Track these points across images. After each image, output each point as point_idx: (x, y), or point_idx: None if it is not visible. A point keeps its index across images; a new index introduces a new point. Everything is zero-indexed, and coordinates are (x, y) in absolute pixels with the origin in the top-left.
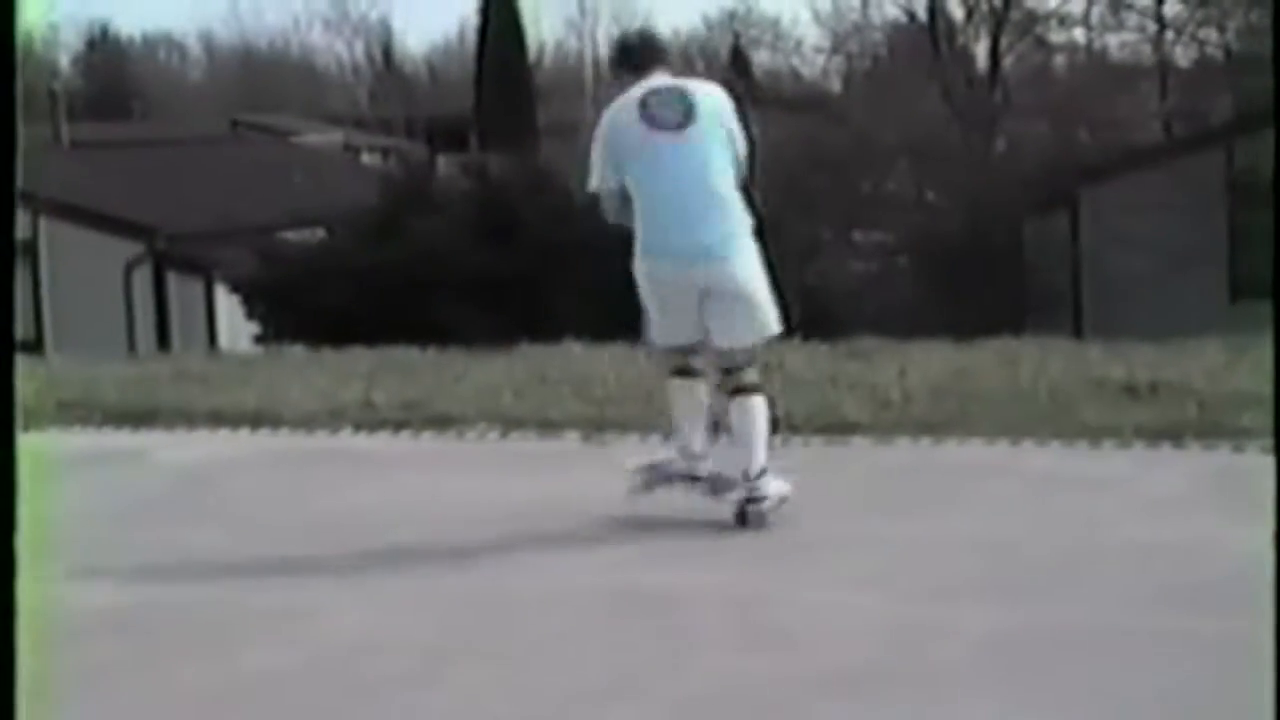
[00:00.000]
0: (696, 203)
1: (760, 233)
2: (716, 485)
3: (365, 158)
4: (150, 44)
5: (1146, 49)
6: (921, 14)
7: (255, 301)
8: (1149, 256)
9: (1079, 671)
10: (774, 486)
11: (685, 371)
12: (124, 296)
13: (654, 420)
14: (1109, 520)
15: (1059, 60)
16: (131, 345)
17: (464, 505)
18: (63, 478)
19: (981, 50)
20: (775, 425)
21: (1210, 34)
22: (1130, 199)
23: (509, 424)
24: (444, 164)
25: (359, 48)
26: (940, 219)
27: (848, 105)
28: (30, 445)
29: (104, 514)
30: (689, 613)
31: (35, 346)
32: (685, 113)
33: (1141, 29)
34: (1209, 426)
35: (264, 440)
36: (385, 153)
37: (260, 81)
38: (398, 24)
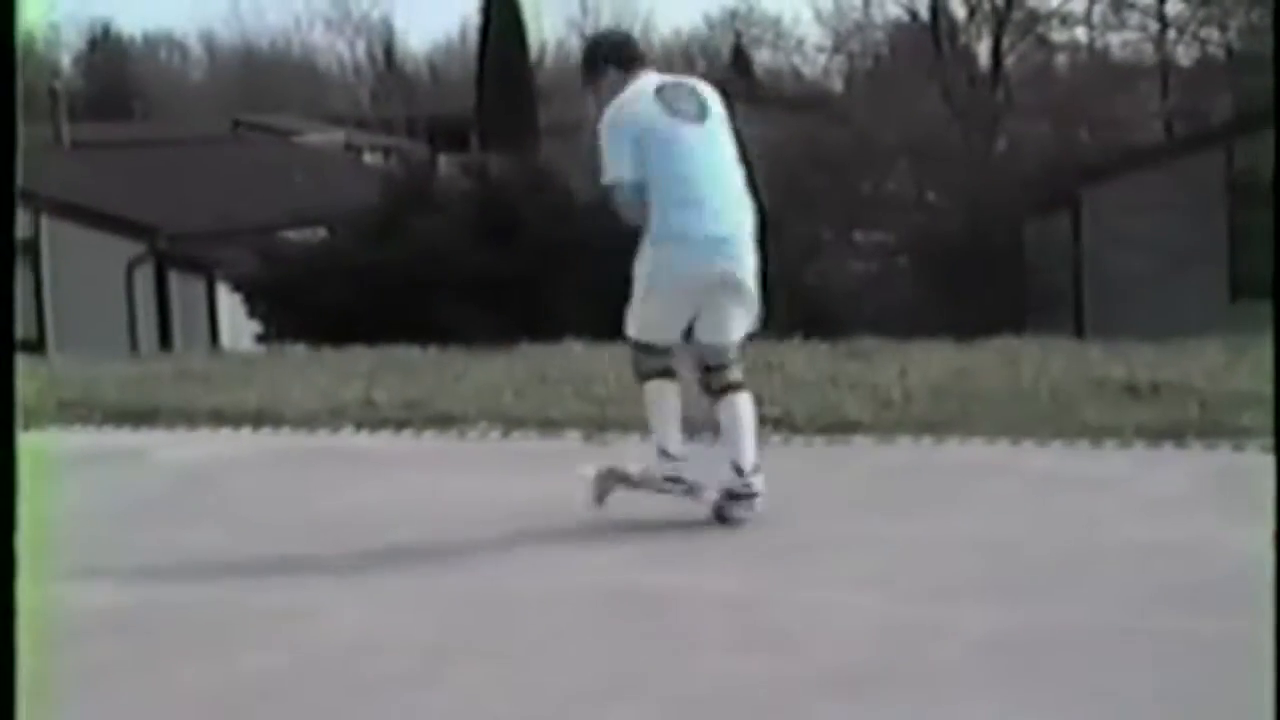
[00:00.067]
0: (718, 194)
1: (761, 233)
2: (694, 487)
3: (367, 157)
4: (151, 44)
5: (1148, 48)
6: (923, 13)
7: (257, 301)
8: (1150, 256)
9: (1079, 672)
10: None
11: (666, 372)
12: (125, 296)
13: None
14: (1110, 520)
15: (1060, 59)
16: (133, 344)
17: (465, 505)
18: (63, 477)
19: (983, 49)
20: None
21: (1212, 33)
22: (1131, 199)
23: (510, 423)
24: (445, 164)
25: (360, 47)
26: (941, 219)
27: (849, 104)
28: (31, 444)
29: (105, 513)
30: (688, 613)
31: (37, 346)
32: (700, 107)
33: (1143, 28)
34: (1210, 426)
35: (265, 439)
36: (386, 152)
37: (261, 81)
38: (399, 23)
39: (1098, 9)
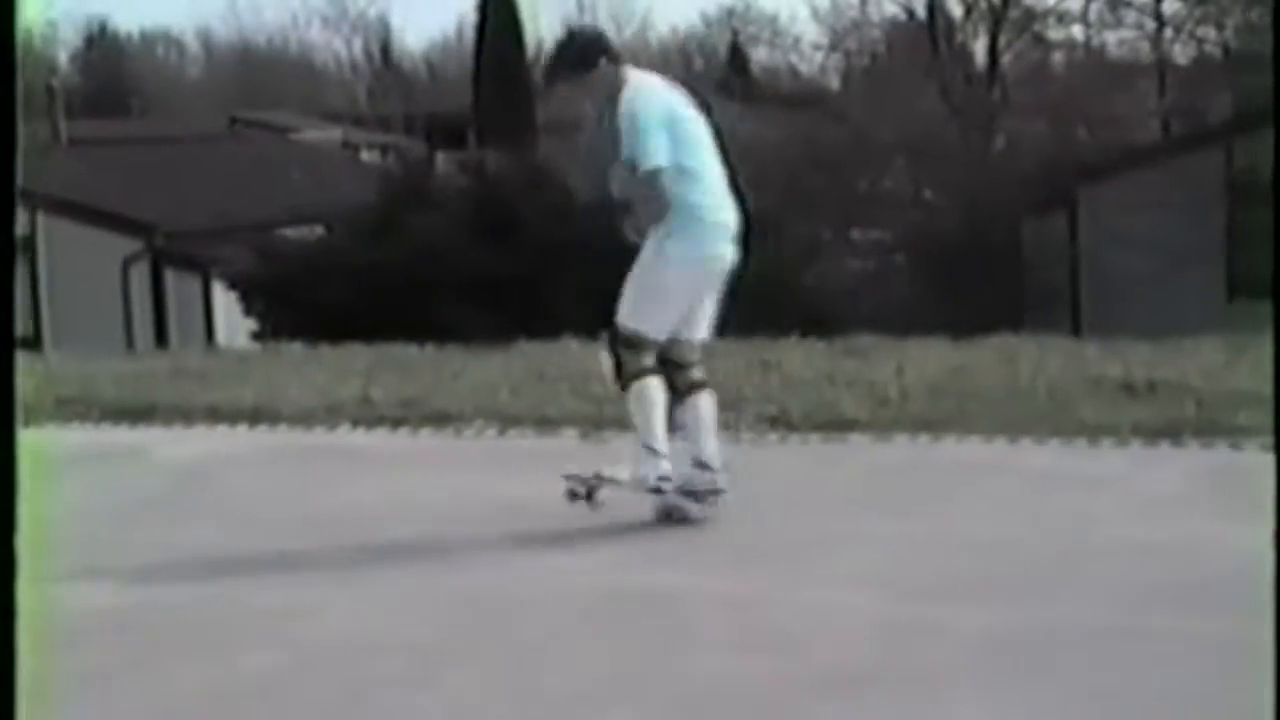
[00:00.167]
0: (721, 185)
1: (745, 233)
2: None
3: (364, 155)
4: (148, 41)
5: (1145, 46)
6: (920, 11)
7: (253, 298)
8: (1147, 255)
9: (1077, 671)
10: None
11: (654, 371)
12: (122, 293)
13: None
14: (1107, 519)
15: (1057, 58)
16: (129, 342)
17: (462, 503)
18: (61, 475)
19: (980, 48)
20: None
21: (1209, 32)
22: (1128, 198)
23: (507, 421)
24: (442, 161)
25: (357, 45)
26: (938, 217)
27: (846, 102)
28: (28, 442)
29: (102, 512)
30: (685, 612)
31: (33, 343)
32: (695, 103)
33: (1140, 26)
34: (1206, 425)
35: (262, 437)
36: (384, 150)
37: (258, 78)
38: (396, 21)
39: (1094, 7)
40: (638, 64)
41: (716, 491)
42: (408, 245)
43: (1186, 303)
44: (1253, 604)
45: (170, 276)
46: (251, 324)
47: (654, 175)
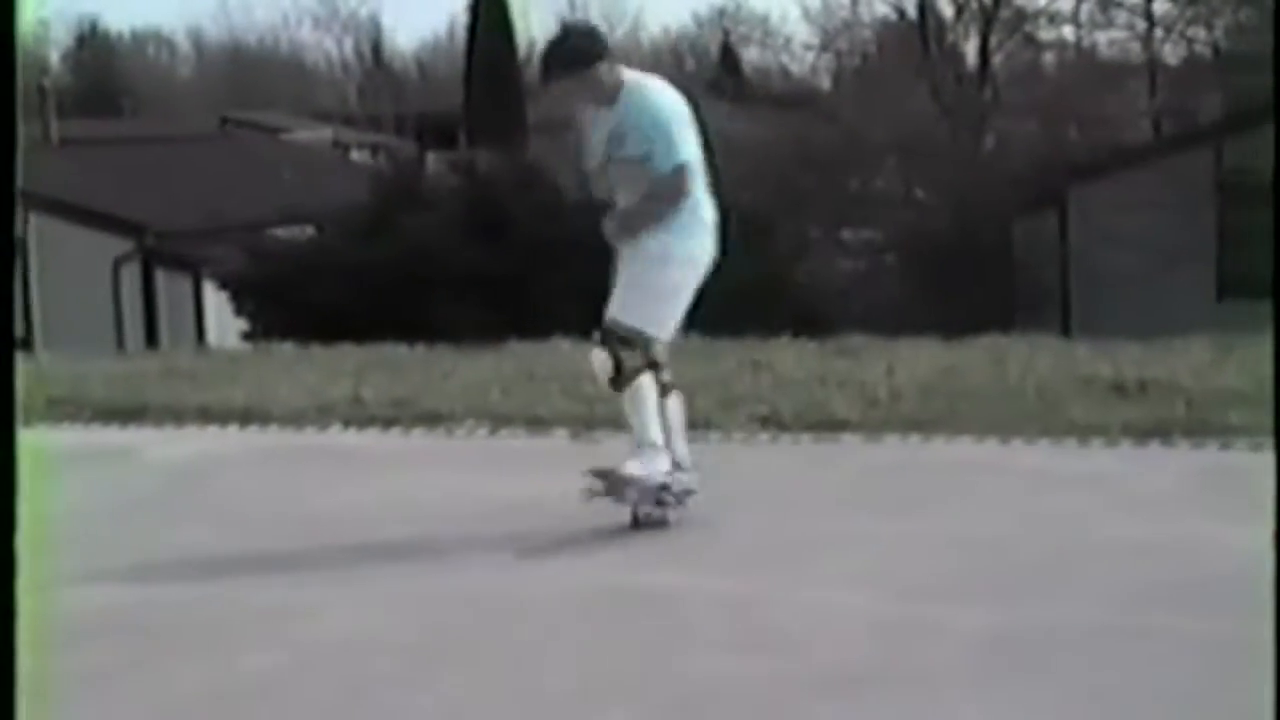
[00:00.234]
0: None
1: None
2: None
3: (354, 155)
4: (139, 40)
5: (1135, 47)
6: (911, 11)
7: (244, 298)
8: (1137, 255)
9: (1074, 670)
10: None
11: (649, 368)
12: (112, 293)
13: None
14: (1098, 518)
15: (1048, 58)
16: (120, 342)
17: (454, 503)
18: (53, 475)
19: (971, 48)
20: None
21: (1199, 32)
22: (1119, 198)
23: (498, 421)
24: (433, 161)
25: (348, 44)
26: (929, 217)
27: (837, 102)
28: (21, 443)
29: (95, 512)
30: (681, 612)
31: (24, 343)
32: None
33: (1130, 27)
34: (1196, 424)
35: (253, 437)
36: (374, 150)
37: (249, 78)
38: (387, 21)
39: (1085, 8)
40: (629, 64)
41: (690, 492)
42: (399, 245)
43: (1176, 302)
44: (1248, 603)
45: (161, 277)
46: (242, 324)
47: (682, 171)
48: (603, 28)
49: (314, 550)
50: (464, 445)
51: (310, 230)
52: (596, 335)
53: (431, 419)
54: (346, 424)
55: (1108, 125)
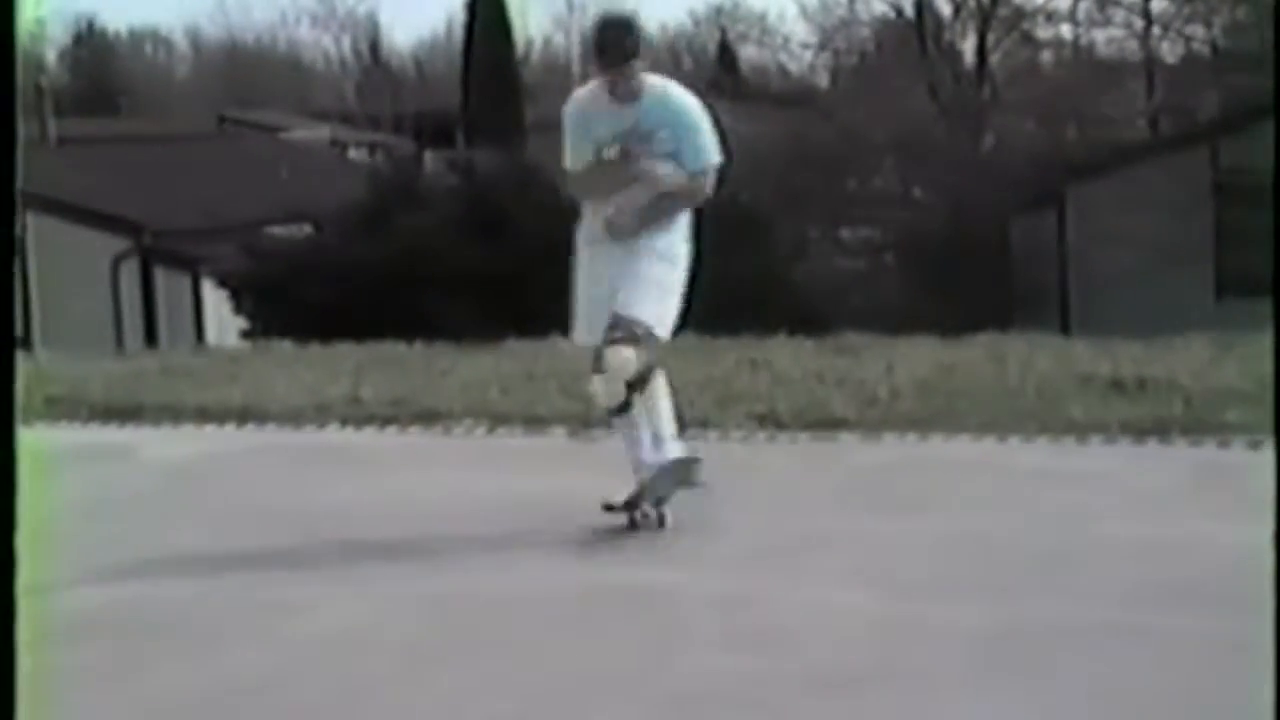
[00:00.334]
0: None
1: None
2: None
3: (352, 153)
4: (137, 39)
5: (1133, 45)
6: (909, 10)
7: (243, 297)
8: (1135, 253)
9: (1070, 668)
10: None
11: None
12: (111, 292)
13: None
14: (1096, 516)
15: (1046, 56)
16: (119, 341)
17: (452, 501)
18: (52, 474)
19: (969, 46)
20: None
21: (1197, 30)
22: (1117, 196)
23: (496, 420)
24: (431, 160)
25: (346, 43)
26: (927, 216)
27: (835, 101)
28: (20, 442)
29: (93, 511)
30: (678, 611)
31: (23, 342)
32: None
33: (1128, 25)
34: (1195, 422)
35: (251, 436)
36: (372, 148)
37: (247, 77)
38: (385, 19)
39: (1083, 6)
40: None
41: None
42: (396, 244)
43: (1175, 301)
44: (1246, 601)
45: (160, 275)
46: (241, 322)
47: (710, 173)
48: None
49: (312, 548)
50: (462, 444)
51: (308, 229)
52: (611, 332)
53: (430, 417)
54: (345, 422)
55: (1106, 124)
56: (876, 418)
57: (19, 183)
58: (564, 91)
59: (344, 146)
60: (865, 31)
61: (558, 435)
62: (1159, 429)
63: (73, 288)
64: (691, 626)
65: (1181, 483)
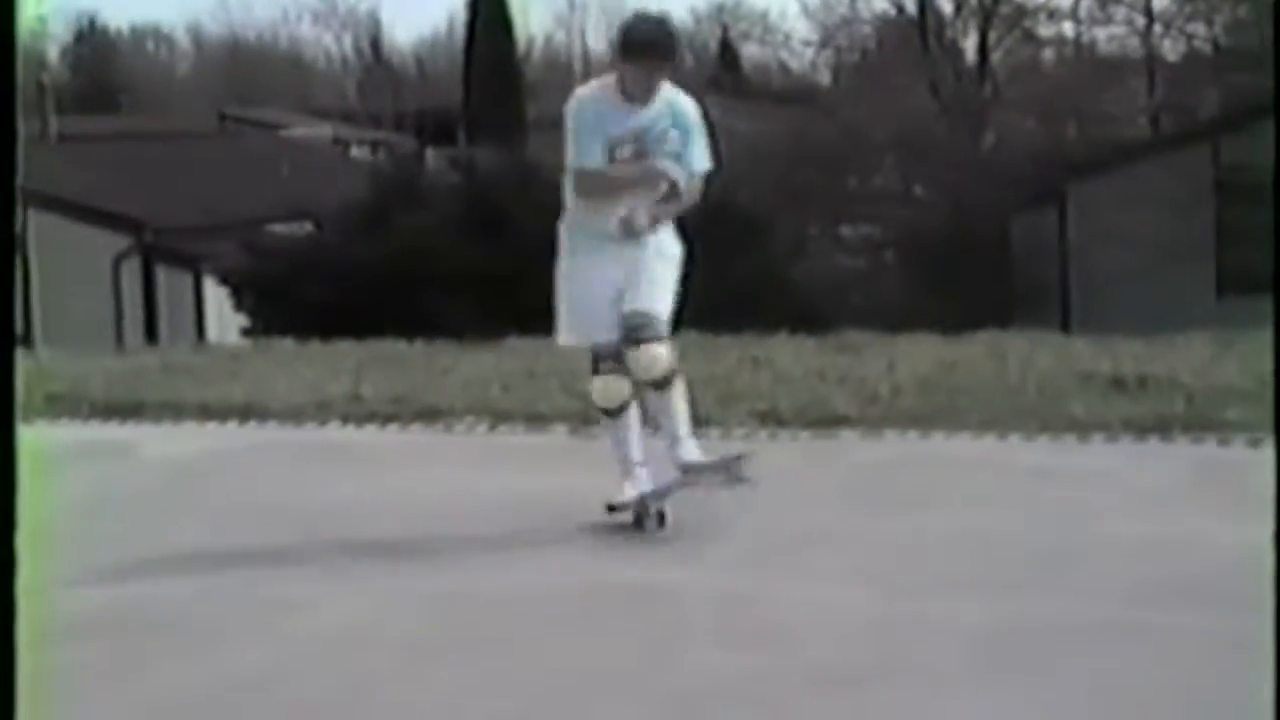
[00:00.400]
0: None
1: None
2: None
3: (354, 151)
4: (138, 36)
5: (1135, 43)
6: (910, 7)
7: (244, 294)
8: (1136, 251)
9: (1071, 665)
10: None
11: None
12: (112, 290)
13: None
14: (1097, 514)
15: (1047, 54)
16: (119, 338)
17: (453, 499)
18: (52, 472)
19: (970, 44)
20: None
21: (1198, 28)
22: (1118, 194)
23: (497, 417)
24: (432, 158)
25: (347, 41)
26: (928, 213)
27: (836, 99)
28: (20, 440)
29: (94, 508)
30: (680, 608)
31: (24, 340)
32: None
33: (1130, 23)
34: (1196, 420)
35: (252, 433)
36: (374, 146)
37: (248, 74)
38: (386, 17)
39: (1084, 4)
40: None
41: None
42: (398, 241)
43: (1176, 298)
44: (1246, 599)
45: (161, 273)
46: (242, 320)
47: (704, 177)
48: (601, 24)
49: (313, 546)
50: (463, 441)
51: (310, 227)
52: (640, 331)
53: (431, 415)
54: (346, 420)
55: (1107, 121)
56: (878, 415)
57: (19, 180)
58: (565, 89)
59: (345, 144)
60: (866, 29)
61: (559, 433)
62: (1160, 427)
63: (73, 285)
64: (692, 624)
65: (1182, 480)
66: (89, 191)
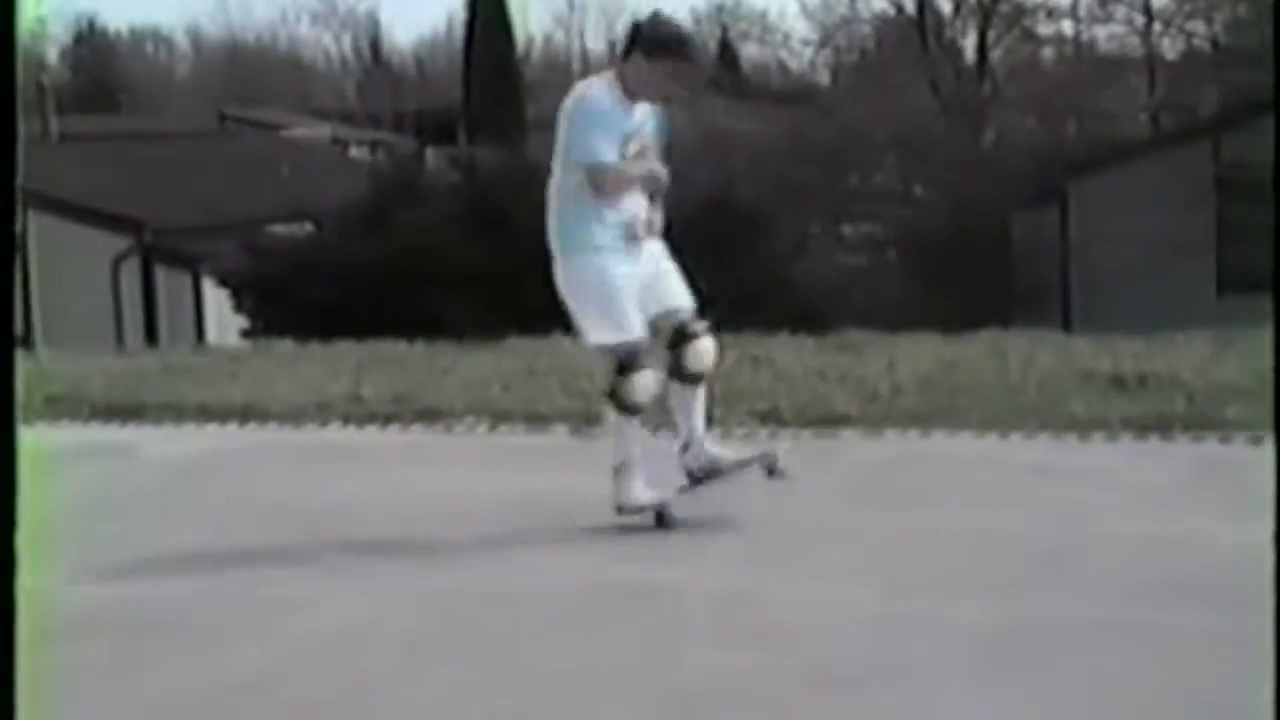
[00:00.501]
0: None
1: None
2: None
3: (353, 151)
4: (138, 38)
5: (1134, 41)
6: (909, 7)
7: (244, 295)
8: (1137, 250)
9: (1071, 664)
10: None
11: None
12: (112, 290)
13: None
14: (1097, 512)
15: (1047, 53)
16: (119, 339)
17: (453, 499)
18: (52, 473)
19: (969, 43)
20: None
21: (1198, 26)
22: (1118, 192)
23: (497, 417)
24: (432, 157)
25: (346, 41)
26: (928, 212)
27: (836, 98)
28: (20, 441)
29: (93, 509)
30: (680, 607)
31: (24, 341)
32: None
33: (1129, 21)
34: (1196, 419)
35: (252, 434)
36: (373, 146)
37: (247, 75)
38: (385, 17)
39: (1083, 2)
40: None
41: None
42: (398, 242)
43: (1176, 296)
44: (1246, 598)
45: (160, 274)
46: (242, 321)
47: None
48: (600, 24)
49: (313, 546)
50: (464, 441)
51: (309, 227)
52: (692, 325)
53: (431, 415)
54: (346, 420)
55: (1107, 119)
56: (878, 414)
57: (20, 180)
58: (565, 89)
59: (345, 144)
60: (866, 28)
61: (559, 433)
62: (1160, 425)
63: (73, 286)
64: (693, 623)
65: (1183, 479)
66: (89, 192)
